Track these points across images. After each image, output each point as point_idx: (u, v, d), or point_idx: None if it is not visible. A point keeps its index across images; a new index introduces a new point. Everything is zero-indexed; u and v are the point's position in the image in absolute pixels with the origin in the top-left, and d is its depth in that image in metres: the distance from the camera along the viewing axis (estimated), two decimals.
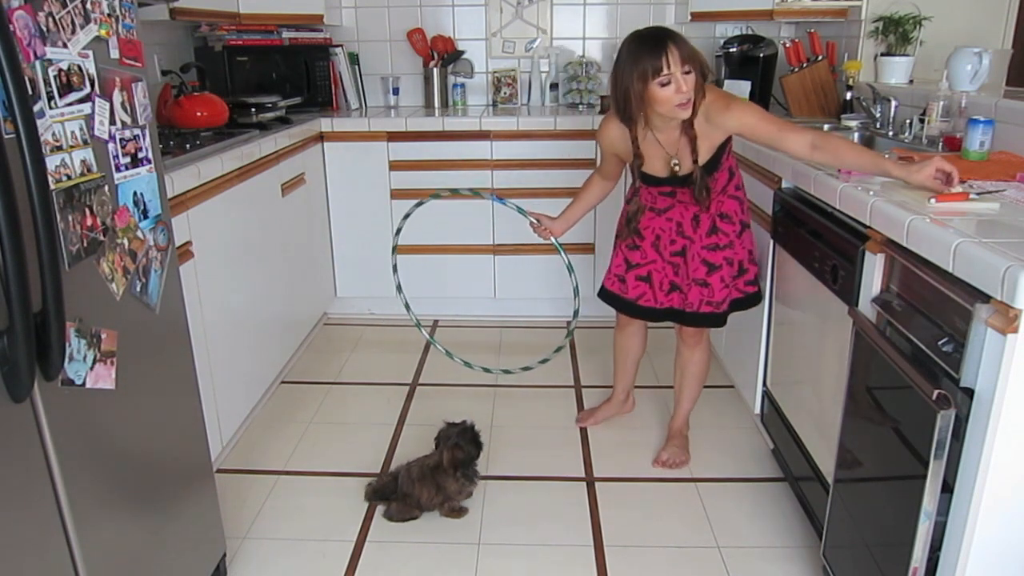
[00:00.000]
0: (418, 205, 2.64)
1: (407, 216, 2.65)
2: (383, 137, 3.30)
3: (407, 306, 2.71)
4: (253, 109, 2.99)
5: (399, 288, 2.73)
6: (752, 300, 2.27)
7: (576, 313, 2.62)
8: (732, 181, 2.16)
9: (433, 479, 2.09)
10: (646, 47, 1.92)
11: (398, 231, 2.70)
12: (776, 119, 2.02)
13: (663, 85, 1.90)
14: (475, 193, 2.67)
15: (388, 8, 3.71)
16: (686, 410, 2.45)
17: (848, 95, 3.00)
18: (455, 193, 2.78)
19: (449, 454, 2.10)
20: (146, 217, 1.48)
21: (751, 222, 2.24)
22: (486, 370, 2.82)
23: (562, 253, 2.51)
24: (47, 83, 1.20)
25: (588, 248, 3.36)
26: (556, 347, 2.74)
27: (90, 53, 1.30)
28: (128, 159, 1.42)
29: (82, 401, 1.29)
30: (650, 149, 2.11)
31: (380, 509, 2.15)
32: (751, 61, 3.35)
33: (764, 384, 2.39)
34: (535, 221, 2.43)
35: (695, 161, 2.05)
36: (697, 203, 2.12)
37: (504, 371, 2.89)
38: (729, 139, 2.08)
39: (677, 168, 2.09)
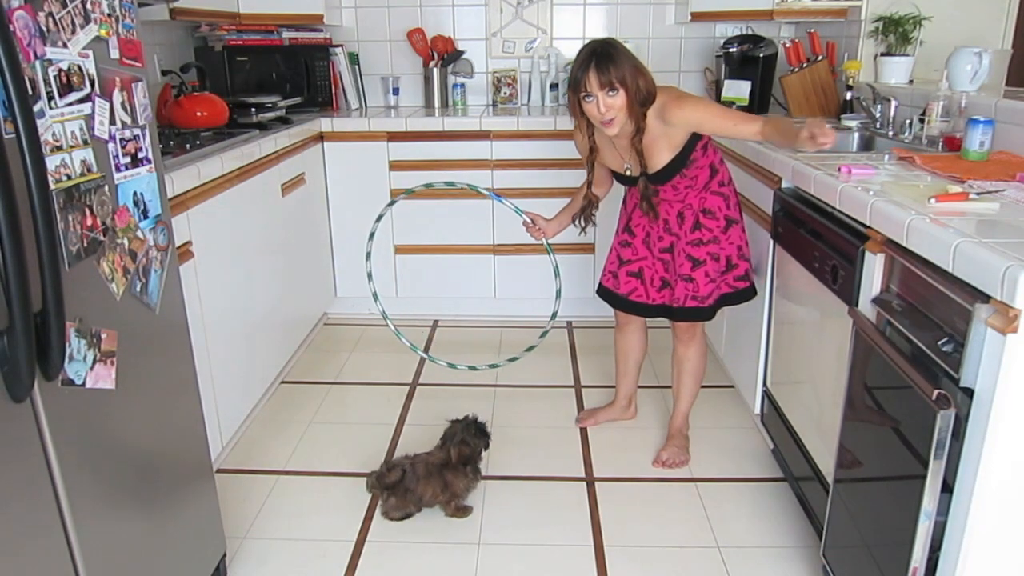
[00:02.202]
0: (407, 193, 2.72)
1: (391, 205, 2.72)
2: (383, 137, 3.30)
3: (384, 315, 2.73)
4: (253, 109, 2.99)
5: (375, 296, 2.76)
6: (743, 295, 2.29)
7: (555, 315, 2.65)
8: (716, 178, 2.19)
9: (440, 477, 2.09)
10: (578, 61, 2.00)
11: (378, 219, 2.71)
12: (728, 112, 2.10)
13: (586, 100, 2.00)
14: (472, 188, 2.65)
15: (388, 8, 3.71)
16: (684, 409, 2.46)
17: (848, 95, 3.00)
18: (451, 186, 2.79)
19: (456, 451, 2.10)
20: (146, 217, 1.48)
21: (741, 217, 2.25)
22: (469, 367, 2.82)
23: (551, 255, 2.54)
24: (47, 83, 1.20)
25: (588, 248, 3.36)
26: (528, 346, 2.77)
27: (90, 53, 1.30)
28: (128, 159, 1.42)
29: (82, 401, 1.29)
30: (606, 150, 2.18)
31: (379, 509, 2.15)
32: (751, 61, 3.34)
33: (764, 384, 2.39)
34: (529, 221, 2.45)
35: (643, 173, 2.12)
36: (643, 213, 2.21)
37: (471, 367, 2.86)
38: (700, 136, 2.10)
39: (628, 171, 2.17)
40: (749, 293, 2.29)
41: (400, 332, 2.75)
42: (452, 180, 2.78)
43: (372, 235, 2.75)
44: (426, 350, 3.26)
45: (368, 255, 2.78)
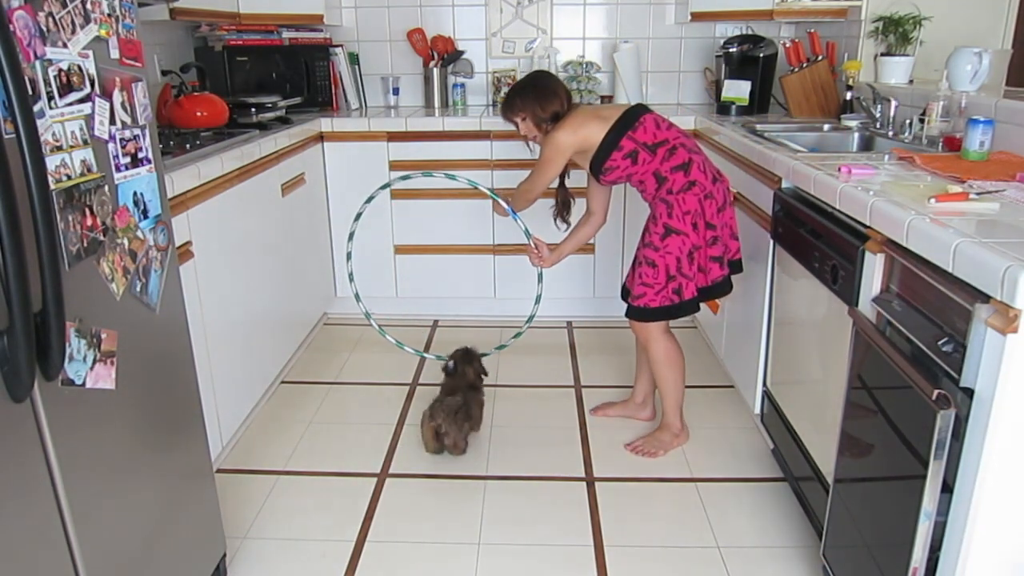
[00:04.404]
0: (403, 178, 2.93)
1: (404, 178, 2.92)
2: (383, 137, 3.30)
3: (357, 296, 2.90)
4: (253, 109, 2.99)
5: (351, 277, 2.94)
6: (677, 309, 2.32)
7: (531, 318, 2.86)
8: (664, 186, 2.26)
9: (476, 397, 2.47)
10: None
11: (371, 198, 2.85)
12: (538, 168, 2.42)
13: None
14: (494, 198, 2.71)
15: (388, 8, 3.71)
16: (665, 405, 2.47)
17: (848, 95, 3.00)
18: (474, 187, 2.81)
19: (472, 369, 2.51)
20: (146, 217, 1.48)
21: (690, 231, 2.24)
22: (438, 357, 2.87)
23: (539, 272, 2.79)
24: (47, 83, 1.20)
25: (588, 249, 3.36)
26: (498, 345, 2.95)
27: (90, 53, 1.30)
28: (128, 159, 1.42)
29: (82, 401, 1.29)
30: None
31: (451, 443, 2.38)
32: (751, 61, 3.35)
33: (764, 384, 2.39)
34: (534, 246, 2.64)
35: (560, 178, 2.54)
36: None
37: (435, 356, 2.94)
38: (614, 150, 2.26)
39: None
40: (683, 309, 2.31)
41: (384, 330, 2.87)
42: (476, 182, 2.82)
43: (352, 235, 2.84)
44: (426, 350, 3.26)
45: (348, 255, 2.88)
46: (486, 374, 2.55)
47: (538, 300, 2.80)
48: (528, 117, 2.38)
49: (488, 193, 2.74)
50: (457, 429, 2.35)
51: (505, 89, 3.75)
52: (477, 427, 2.49)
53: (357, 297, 2.88)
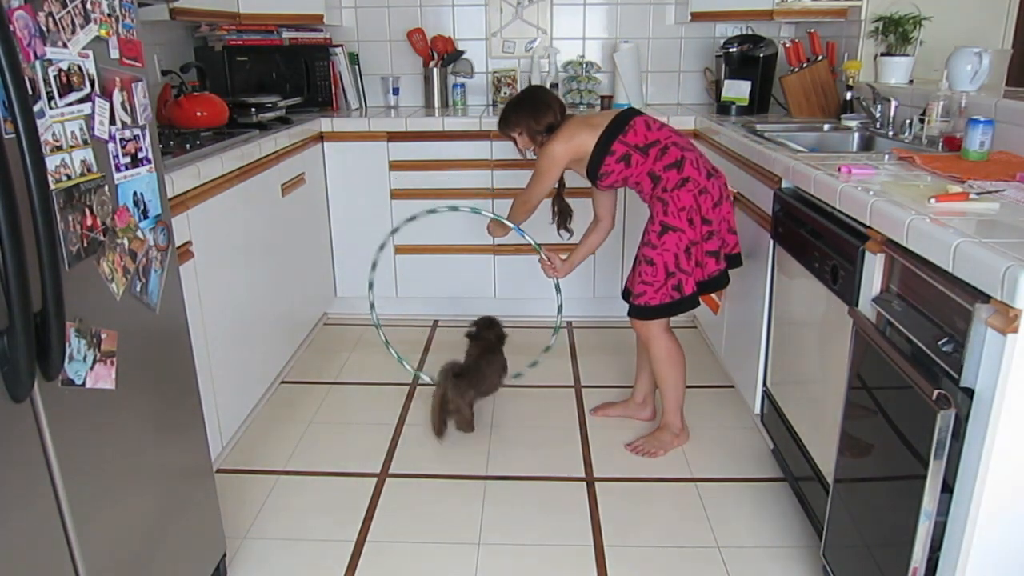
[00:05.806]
0: (429, 212, 2.98)
1: (412, 219, 2.96)
2: (383, 137, 3.30)
3: (372, 306, 2.96)
4: (253, 109, 2.99)
5: (370, 286, 2.98)
6: (678, 305, 2.33)
7: (557, 330, 2.94)
8: (659, 184, 2.28)
9: (498, 362, 2.62)
10: None
11: (395, 230, 3.00)
12: (534, 179, 2.46)
13: None
14: (497, 219, 2.78)
15: (388, 8, 3.71)
16: (666, 404, 2.48)
17: (848, 95, 3.00)
18: (476, 212, 2.95)
19: (495, 333, 2.69)
20: (146, 217, 1.48)
21: (686, 227, 2.26)
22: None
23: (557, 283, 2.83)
24: (47, 83, 1.20)
25: None
26: (531, 361, 2.96)
27: (90, 53, 1.31)
28: (128, 159, 1.42)
29: (82, 401, 1.29)
30: None
31: (457, 424, 2.48)
32: (751, 61, 3.35)
33: (764, 384, 2.39)
34: (546, 259, 2.69)
35: (560, 184, 2.61)
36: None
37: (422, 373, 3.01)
38: (607, 155, 2.29)
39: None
40: (680, 304, 2.32)
41: (389, 343, 2.92)
42: (479, 209, 2.95)
43: (383, 246, 2.92)
44: (426, 351, 3.27)
45: (374, 265, 2.93)
46: (506, 336, 2.72)
47: (560, 310, 2.88)
48: (524, 131, 2.43)
49: (492, 216, 2.79)
50: (459, 395, 2.42)
51: (505, 89, 3.77)
52: (494, 389, 2.60)
53: (372, 307, 2.93)
